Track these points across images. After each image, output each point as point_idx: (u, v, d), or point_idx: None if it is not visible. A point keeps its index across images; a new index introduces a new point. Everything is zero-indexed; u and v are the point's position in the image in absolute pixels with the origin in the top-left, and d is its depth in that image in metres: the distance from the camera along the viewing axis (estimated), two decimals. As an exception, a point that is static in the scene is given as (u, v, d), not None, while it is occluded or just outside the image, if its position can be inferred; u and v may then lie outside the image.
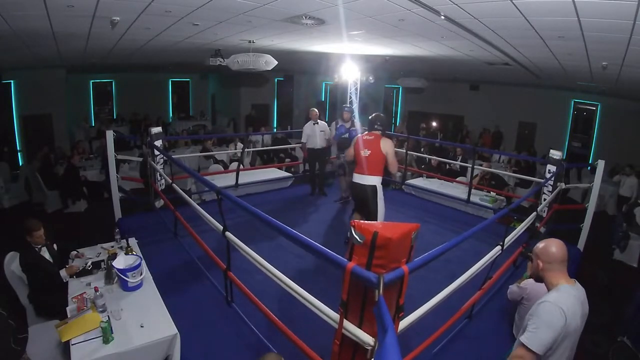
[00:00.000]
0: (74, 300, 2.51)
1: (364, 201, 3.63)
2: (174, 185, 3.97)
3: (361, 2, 3.10)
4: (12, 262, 2.93)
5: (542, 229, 4.51)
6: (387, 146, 3.55)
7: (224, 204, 2.77)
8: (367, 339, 1.67)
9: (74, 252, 3.10)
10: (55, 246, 3.10)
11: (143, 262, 2.80)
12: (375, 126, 3.72)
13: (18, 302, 2.89)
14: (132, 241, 3.30)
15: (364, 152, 3.62)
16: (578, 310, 1.59)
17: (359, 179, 3.62)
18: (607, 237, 5.53)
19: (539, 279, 1.74)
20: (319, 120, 5.89)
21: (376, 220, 3.54)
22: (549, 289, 1.67)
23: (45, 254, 2.97)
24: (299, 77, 13.38)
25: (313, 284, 3.35)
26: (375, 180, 3.56)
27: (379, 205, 3.56)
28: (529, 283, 2.62)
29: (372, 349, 1.64)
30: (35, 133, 8.89)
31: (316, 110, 6.02)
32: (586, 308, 1.66)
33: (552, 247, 1.69)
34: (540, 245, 1.74)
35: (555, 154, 4.77)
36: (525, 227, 3.41)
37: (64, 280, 2.80)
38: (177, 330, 2.30)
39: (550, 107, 9.92)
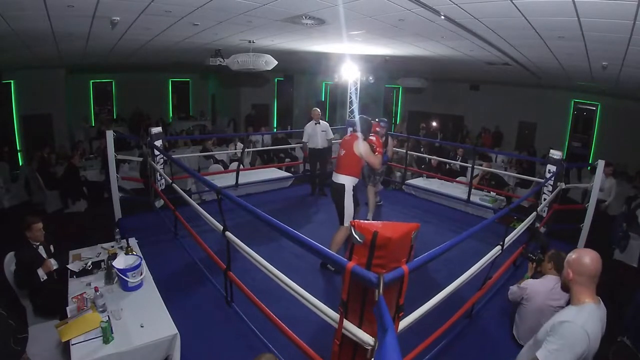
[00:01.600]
0: (74, 300, 2.51)
1: (334, 199, 3.71)
2: (174, 185, 3.97)
3: (361, 2, 3.10)
4: (12, 262, 2.93)
5: (542, 229, 4.51)
6: (360, 147, 3.59)
7: (224, 204, 2.77)
8: (367, 338, 1.67)
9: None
10: (52, 247, 3.10)
11: (143, 262, 2.80)
12: (358, 128, 3.74)
13: (18, 302, 2.89)
14: (132, 241, 3.29)
15: (340, 152, 3.72)
16: (599, 333, 1.52)
17: (334, 177, 3.72)
18: (607, 237, 5.52)
19: (566, 288, 1.64)
20: (320, 120, 5.89)
21: (343, 219, 3.62)
22: (573, 303, 1.57)
23: (43, 253, 2.97)
24: (299, 77, 13.37)
25: (313, 284, 3.37)
26: (344, 180, 3.60)
27: (345, 204, 3.59)
28: (529, 283, 2.62)
29: (372, 348, 1.64)
30: (35, 133, 8.89)
31: (318, 110, 6.01)
32: (604, 327, 1.59)
33: (586, 258, 1.55)
34: (574, 255, 1.61)
35: (555, 154, 4.77)
36: (525, 227, 3.41)
37: (41, 279, 2.78)
38: (177, 330, 2.29)
39: (550, 107, 9.92)
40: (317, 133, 5.84)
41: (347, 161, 3.62)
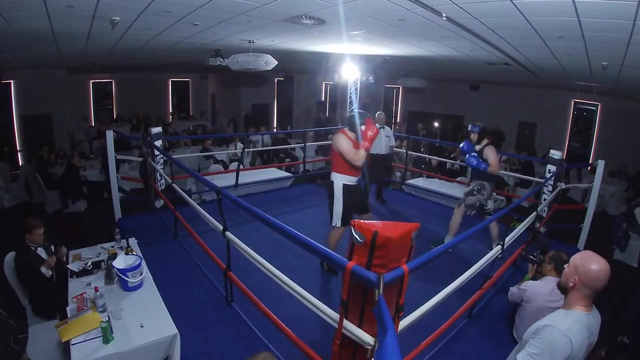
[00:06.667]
0: (74, 300, 2.51)
1: (328, 197, 3.58)
2: (174, 185, 3.97)
3: (361, 2, 3.10)
4: (12, 262, 2.93)
5: (542, 229, 4.51)
6: (335, 142, 3.47)
7: (224, 203, 2.77)
8: (367, 338, 1.67)
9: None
10: (53, 247, 3.09)
11: (143, 262, 2.80)
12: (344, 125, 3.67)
13: (18, 302, 2.89)
14: (132, 241, 3.29)
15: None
16: (585, 341, 1.45)
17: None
18: (607, 237, 5.52)
19: (563, 290, 1.53)
20: (385, 126, 5.62)
21: (332, 218, 3.51)
22: (564, 307, 1.51)
23: (42, 254, 2.96)
24: (299, 77, 13.38)
25: (313, 284, 3.37)
26: (333, 177, 3.49)
27: (334, 203, 3.47)
28: (528, 285, 2.62)
29: (372, 348, 1.64)
30: (35, 133, 8.90)
31: (384, 114, 5.72)
32: (595, 337, 1.52)
33: (599, 270, 1.41)
34: (584, 261, 1.45)
35: (555, 154, 4.77)
36: (525, 227, 3.41)
37: (47, 276, 2.80)
38: (177, 330, 2.29)
39: (550, 107, 9.92)
40: (382, 137, 5.47)
41: (334, 158, 3.52)
